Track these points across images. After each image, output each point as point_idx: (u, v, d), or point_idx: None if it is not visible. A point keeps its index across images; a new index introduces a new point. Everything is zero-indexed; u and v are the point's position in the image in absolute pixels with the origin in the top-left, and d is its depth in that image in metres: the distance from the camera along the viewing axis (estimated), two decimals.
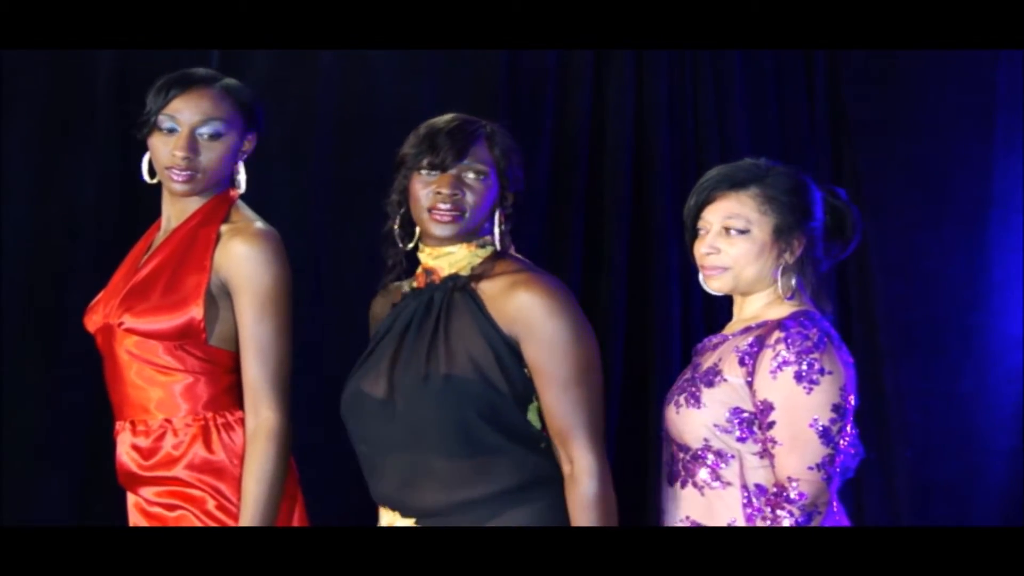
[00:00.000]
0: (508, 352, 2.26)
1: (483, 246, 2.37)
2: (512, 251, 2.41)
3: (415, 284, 2.40)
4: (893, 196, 3.97)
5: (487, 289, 2.30)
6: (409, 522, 2.30)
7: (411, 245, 2.40)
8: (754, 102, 3.79)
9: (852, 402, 2.31)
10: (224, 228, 2.40)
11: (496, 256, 2.37)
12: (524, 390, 2.27)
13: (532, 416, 2.30)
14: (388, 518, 2.34)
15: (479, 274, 2.33)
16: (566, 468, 2.26)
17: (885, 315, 4.08)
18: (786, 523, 2.22)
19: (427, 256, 2.37)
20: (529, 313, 2.26)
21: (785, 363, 2.25)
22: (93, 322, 2.45)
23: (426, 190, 2.31)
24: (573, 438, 2.24)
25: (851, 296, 4.04)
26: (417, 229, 2.38)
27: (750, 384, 2.29)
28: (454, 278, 2.34)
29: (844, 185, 2.72)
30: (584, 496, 2.22)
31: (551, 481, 2.26)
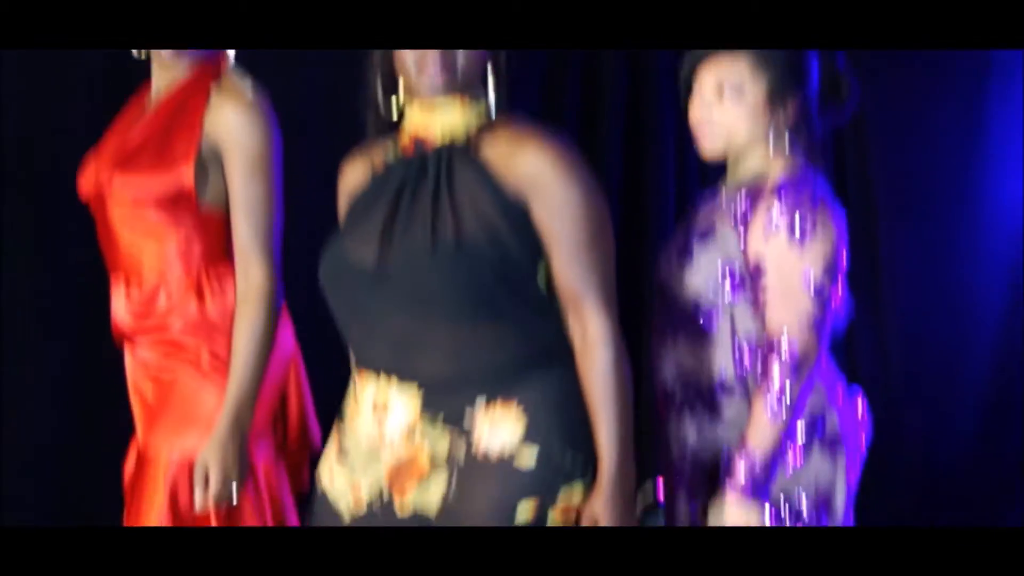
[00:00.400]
0: (518, 215, 2.09)
1: (477, 101, 2.17)
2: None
3: (400, 150, 2.21)
4: (891, 63, 3.93)
5: (489, 151, 2.14)
6: (411, 387, 2.13)
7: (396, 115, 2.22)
8: None
9: (844, 260, 2.30)
10: (215, 91, 2.37)
11: (493, 114, 2.19)
12: (534, 255, 2.11)
13: (541, 282, 2.14)
14: (378, 385, 2.17)
15: (477, 136, 2.16)
16: (577, 337, 2.12)
17: (880, 176, 4.07)
18: (776, 378, 2.22)
19: (416, 115, 2.18)
20: (538, 175, 2.10)
21: (778, 222, 2.24)
22: (86, 183, 2.45)
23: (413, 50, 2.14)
24: (586, 303, 2.10)
25: (847, 157, 4.03)
26: (401, 89, 2.19)
27: (743, 240, 2.29)
28: (450, 147, 2.15)
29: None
30: (599, 363, 2.09)
31: (563, 352, 2.12)
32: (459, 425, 2.11)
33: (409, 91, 2.18)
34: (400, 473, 2.14)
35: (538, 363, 2.12)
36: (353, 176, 2.29)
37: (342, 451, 2.21)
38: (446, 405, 2.12)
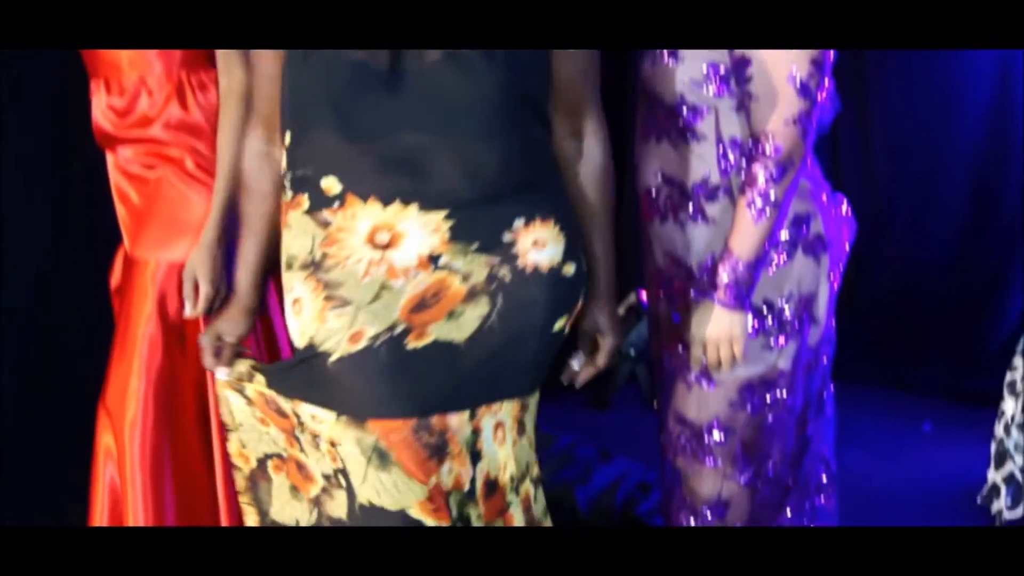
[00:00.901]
0: None
1: None
2: None
3: None
4: None
5: None
6: (435, 215, 1.93)
7: None
8: None
9: (831, 55, 2.23)
10: None
11: None
12: (545, 64, 2.02)
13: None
14: (384, 215, 1.94)
15: None
16: (573, 147, 2.07)
17: None
18: (761, 176, 2.17)
19: None
20: None
21: None
22: None
23: None
24: (587, 108, 2.06)
25: None
26: None
27: None
28: None
29: None
30: (599, 167, 2.08)
31: (558, 170, 2.09)
32: (498, 250, 1.97)
33: None
34: (425, 305, 1.97)
35: (555, 181, 2.05)
36: None
37: (331, 296, 1.97)
38: (480, 233, 1.96)
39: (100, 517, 2.40)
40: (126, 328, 2.34)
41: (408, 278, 1.95)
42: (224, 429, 2.21)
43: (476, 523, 2.11)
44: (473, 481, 2.07)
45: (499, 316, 1.99)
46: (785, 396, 2.34)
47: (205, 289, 2.26)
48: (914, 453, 3.81)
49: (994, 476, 2.74)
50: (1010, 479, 2.71)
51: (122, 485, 2.34)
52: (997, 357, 3.18)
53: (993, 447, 2.76)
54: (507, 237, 1.97)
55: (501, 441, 2.08)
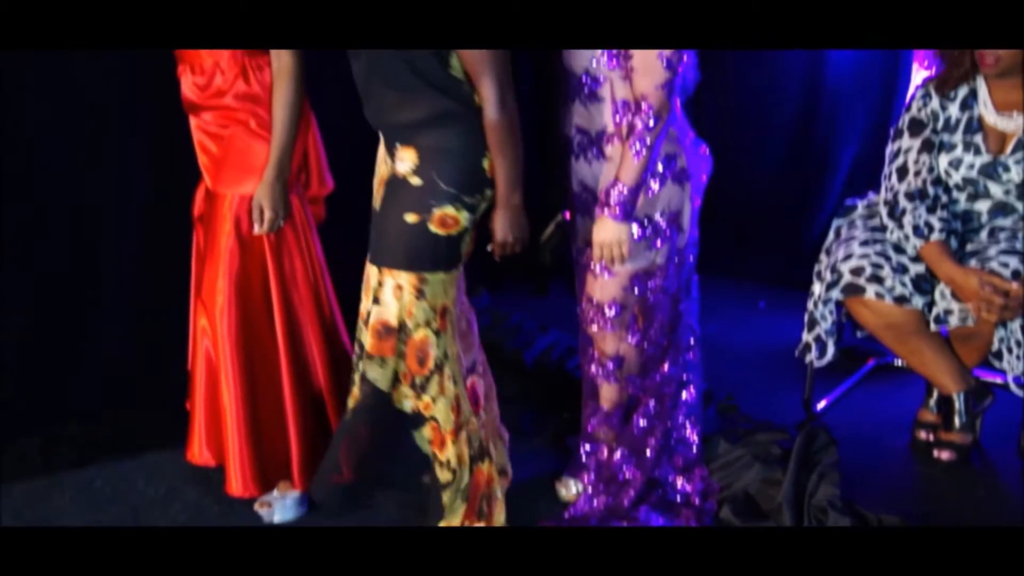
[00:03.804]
0: None
1: None
2: None
3: None
4: None
5: None
6: (381, 135, 2.24)
7: None
8: None
9: None
10: None
11: None
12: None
13: (455, 69, 2.09)
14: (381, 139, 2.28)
15: None
16: (480, 101, 2.10)
17: None
18: (639, 126, 2.20)
19: None
20: None
21: None
22: None
23: None
24: (481, 79, 2.07)
25: None
26: None
27: None
28: None
29: None
30: (488, 120, 2.09)
31: (462, 114, 2.11)
32: (393, 159, 2.19)
33: None
34: (379, 184, 2.26)
35: (435, 124, 2.11)
36: None
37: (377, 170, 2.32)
38: (389, 144, 2.20)
39: (199, 377, 2.43)
40: (212, 242, 2.35)
41: (380, 165, 2.28)
42: (282, 306, 2.34)
43: (364, 343, 2.18)
44: (369, 314, 2.18)
45: (383, 200, 2.19)
46: (662, 283, 2.40)
47: (268, 214, 2.29)
48: (753, 323, 3.83)
49: (807, 337, 2.73)
50: (817, 339, 2.72)
51: (215, 353, 2.38)
52: (811, 253, 3.23)
53: (806, 317, 2.72)
54: (394, 151, 2.17)
55: (398, 298, 2.15)
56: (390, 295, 2.15)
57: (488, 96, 2.08)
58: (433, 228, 2.13)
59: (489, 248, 2.22)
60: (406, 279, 2.14)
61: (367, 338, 2.18)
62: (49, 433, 2.88)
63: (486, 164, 2.13)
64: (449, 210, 2.12)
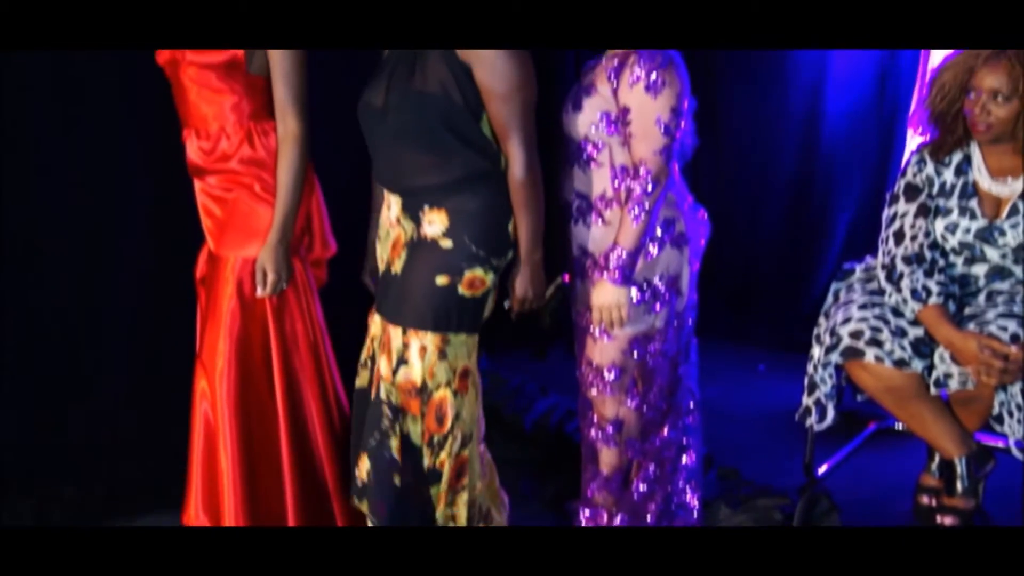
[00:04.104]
0: (464, 75, 2.11)
1: None
2: None
3: None
4: None
5: None
6: (397, 198, 2.26)
7: None
8: None
9: (687, 106, 2.28)
10: None
11: None
12: (477, 105, 2.14)
13: (484, 128, 2.16)
14: (389, 198, 2.30)
15: None
16: (506, 160, 2.17)
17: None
18: (637, 191, 2.23)
19: None
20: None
21: (638, 78, 2.21)
22: (162, 57, 2.33)
23: None
24: (509, 139, 2.14)
25: None
26: None
27: (615, 93, 2.25)
28: None
29: None
30: (514, 179, 2.16)
31: (491, 173, 2.18)
32: (416, 221, 2.22)
33: None
34: (395, 247, 2.28)
35: (466, 185, 2.17)
36: None
37: (379, 236, 2.37)
38: (411, 208, 2.22)
39: (197, 439, 2.40)
40: (214, 305, 2.35)
41: (391, 230, 2.29)
42: (282, 369, 2.33)
43: (394, 400, 2.23)
44: (393, 374, 2.23)
45: (406, 263, 2.24)
46: (661, 346, 2.40)
47: (271, 276, 2.29)
48: (753, 387, 3.83)
49: (807, 400, 2.71)
50: (817, 403, 2.69)
51: (214, 416, 2.37)
52: (809, 316, 3.23)
53: (806, 380, 2.70)
54: (420, 214, 2.21)
55: (422, 358, 2.20)
56: (416, 355, 2.20)
57: (515, 155, 2.15)
58: (462, 290, 2.19)
59: (507, 305, 2.28)
60: (431, 339, 2.19)
61: (396, 395, 2.23)
62: (44, 493, 2.85)
63: (511, 226, 2.20)
64: (479, 272, 2.19)
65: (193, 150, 2.36)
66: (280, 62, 2.24)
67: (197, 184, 2.41)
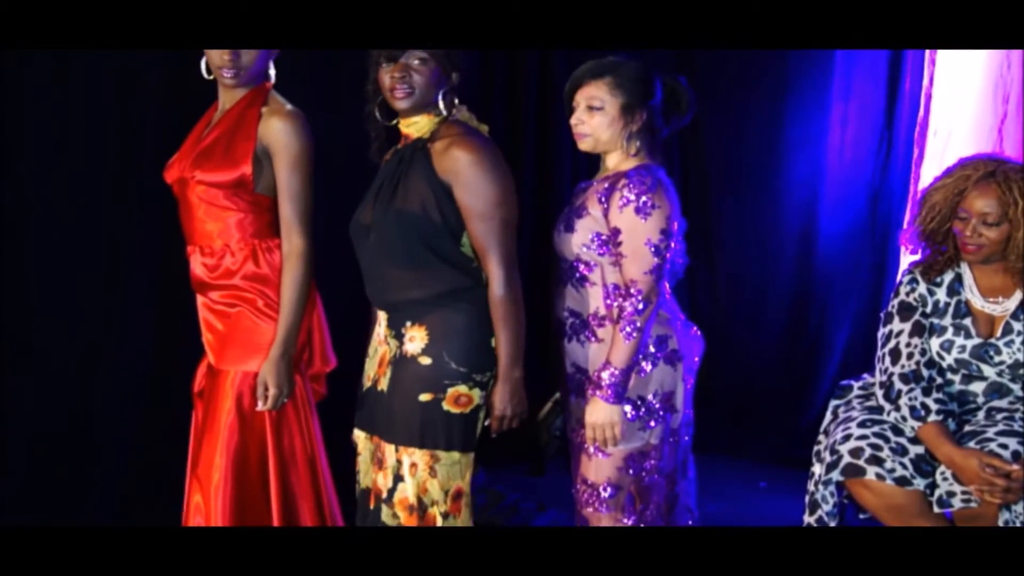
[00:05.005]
0: (444, 194, 2.16)
1: (439, 116, 2.23)
2: (465, 114, 2.28)
3: (399, 145, 2.32)
4: (721, 86, 3.96)
5: (435, 147, 2.19)
6: (384, 314, 2.30)
7: (394, 122, 2.30)
8: None
9: (676, 226, 2.31)
10: (264, 109, 2.32)
11: (447, 121, 2.24)
12: (456, 223, 2.18)
13: (465, 245, 2.20)
14: (379, 315, 2.33)
15: (432, 137, 2.22)
16: (488, 280, 2.20)
17: (712, 162, 4.10)
18: (629, 310, 2.24)
19: (403, 125, 2.28)
20: (457, 165, 2.15)
21: (628, 201, 2.24)
22: (171, 175, 2.40)
23: (386, 76, 2.20)
24: (488, 257, 2.17)
25: (688, 150, 4.05)
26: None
27: (606, 215, 2.29)
28: (417, 141, 2.24)
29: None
30: (493, 296, 2.18)
31: (471, 290, 2.20)
32: (400, 337, 2.24)
33: (397, 113, 2.28)
34: (380, 364, 2.30)
35: (446, 301, 2.20)
36: (386, 159, 2.37)
37: (368, 354, 2.39)
38: (395, 324, 2.25)
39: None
40: (212, 418, 2.34)
41: (379, 347, 2.32)
42: (279, 484, 2.31)
43: (389, 521, 2.22)
44: (391, 491, 2.22)
45: (391, 380, 2.24)
46: (657, 463, 2.37)
47: (273, 391, 2.28)
48: (754, 504, 3.76)
49: (809, 519, 2.64)
50: (819, 521, 2.62)
51: None
52: (808, 432, 3.19)
53: (807, 499, 2.64)
54: (403, 331, 2.23)
55: (412, 475, 2.19)
56: (407, 472, 2.20)
57: (494, 272, 2.17)
58: (447, 406, 2.18)
59: (486, 422, 2.24)
60: (420, 456, 2.19)
61: (400, 512, 2.22)
62: None
63: (494, 342, 2.20)
64: (462, 388, 2.18)
65: (197, 266, 2.39)
66: (288, 182, 2.30)
67: (200, 299, 2.43)
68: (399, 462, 2.21)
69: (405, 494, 2.20)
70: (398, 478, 2.21)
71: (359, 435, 2.38)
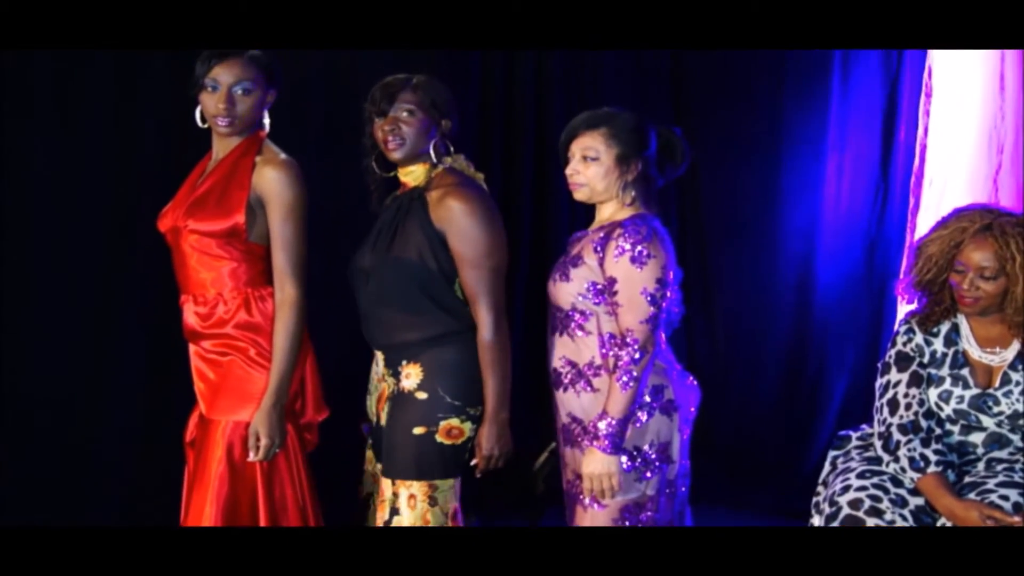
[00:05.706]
0: (438, 242, 2.26)
1: (435, 164, 2.33)
2: (462, 163, 2.35)
3: (397, 193, 2.41)
4: (717, 137, 3.98)
5: (431, 196, 2.28)
6: (381, 354, 2.38)
7: (391, 173, 2.39)
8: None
9: (671, 276, 2.32)
10: (258, 159, 2.33)
11: (444, 171, 2.32)
12: (450, 269, 2.27)
13: (458, 290, 2.30)
14: (376, 354, 2.42)
15: (428, 185, 2.31)
16: (476, 325, 2.28)
17: (708, 213, 4.10)
18: (625, 359, 2.24)
19: (401, 174, 2.38)
20: (450, 214, 2.25)
21: (624, 250, 2.26)
22: (165, 224, 2.40)
23: (379, 130, 2.31)
24: (478, 303, 2.26)
25: (685, 200, 4.05)
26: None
27: (601, 265, 2.30)
28: (414, 190, 2.33)
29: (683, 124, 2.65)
30: (482, 340, 2.27)
31: (462, 333, 2.29)
32: (397, 375, 2.31)
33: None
34: (380, 401, 2.39)
35: (439, 342, 2.28)
36: (386, 205, 2.45)
37: (369, 391, 2.49)
38: (391, 363, 2.35)
39: None
40: (203, 468, 2.32)
41: (379, 384, 2.42)
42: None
43: None
44: (387, 524, 2.29)
45: (389, 416, 2.33)
46: (654, 514, 2.36)
47: (264, 441, 2.27)
48: None
49: None
50: None
51: None
52: (806, 483, 3.15)
53: None
54: (399, 369, 2.31)
55: (412, 507, 2.26)
56: (405, 505, 2.25)
57: (483, 318, 2.26)
58: (439, 438, 2.27)
59: (472, 462, 2.31)
60: (418, 488, 2.27)
61: None
62: None
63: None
64: (455, 421, 2.27)
65: (190, 315, 2.39)
66: (281, 231, 2.30)
67: (192, 348, 2.42)
68: (395, 495, 2.28)
69: (402, 526, 2.27)
70: (394, 511, 2.28)
71: (377, 467, 2.44)
